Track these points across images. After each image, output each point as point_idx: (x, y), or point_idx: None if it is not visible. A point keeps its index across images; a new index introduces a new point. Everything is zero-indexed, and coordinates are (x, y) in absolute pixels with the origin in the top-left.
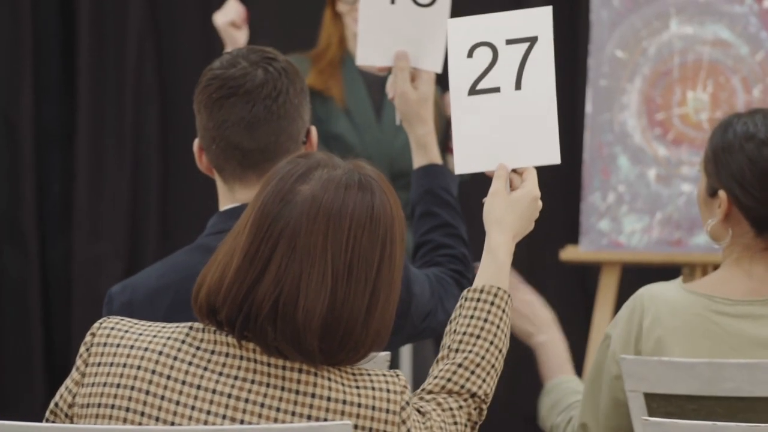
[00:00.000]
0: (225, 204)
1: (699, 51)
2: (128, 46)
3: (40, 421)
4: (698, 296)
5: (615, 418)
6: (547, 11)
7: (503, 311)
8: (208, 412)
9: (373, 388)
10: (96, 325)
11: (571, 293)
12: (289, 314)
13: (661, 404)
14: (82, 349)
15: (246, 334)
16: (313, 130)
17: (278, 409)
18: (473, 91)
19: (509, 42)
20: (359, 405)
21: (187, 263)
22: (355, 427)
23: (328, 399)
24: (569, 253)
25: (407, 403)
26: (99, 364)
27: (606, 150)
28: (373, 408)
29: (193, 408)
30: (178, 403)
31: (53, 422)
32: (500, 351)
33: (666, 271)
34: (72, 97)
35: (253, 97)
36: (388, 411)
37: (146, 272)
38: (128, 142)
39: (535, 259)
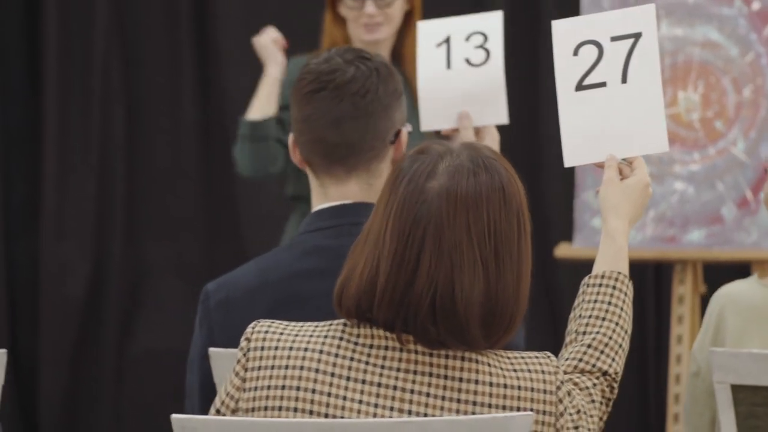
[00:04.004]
0: (318, 202)
1: (689, 52)
2: (94, 47)
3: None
4: None
5: (692, 416)
6: (650, 9)
7: (625, 294)
8: (376, 405)
9: (529, 371)
10: (249, 329)
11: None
12: (448, 309)
13: (747, 395)
14: (239, 354)
15: (406, 330)
16: (404, 131)
17: (443, 398)
18: (580, 86)
19: (614, 39)
20: (519, 388)
21: (285, 261)
22: (518, 409)
23: (491, 384)
24: (563, 250)
25: (562, 383)
26: (260, 368)
27: None
28: (532, 390)
29: (360, 402)
30: (345, 398)
31: None
32: (626, 331)
33: (659, 268)
34: (38, 98)
35: (341, 93)
36: (545, 392)
37: (242, 270)
38: (94, 143)
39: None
